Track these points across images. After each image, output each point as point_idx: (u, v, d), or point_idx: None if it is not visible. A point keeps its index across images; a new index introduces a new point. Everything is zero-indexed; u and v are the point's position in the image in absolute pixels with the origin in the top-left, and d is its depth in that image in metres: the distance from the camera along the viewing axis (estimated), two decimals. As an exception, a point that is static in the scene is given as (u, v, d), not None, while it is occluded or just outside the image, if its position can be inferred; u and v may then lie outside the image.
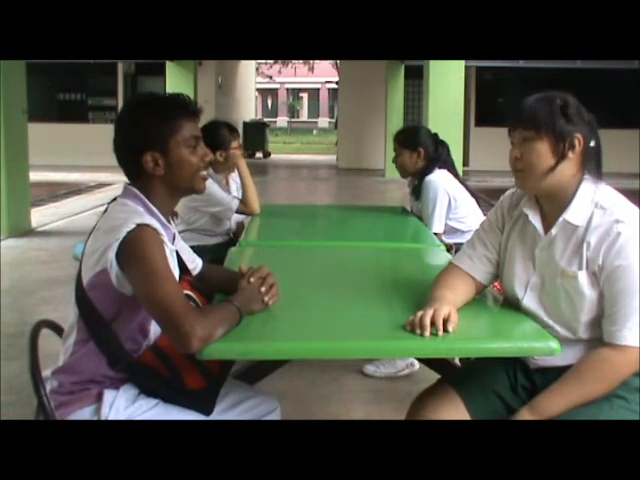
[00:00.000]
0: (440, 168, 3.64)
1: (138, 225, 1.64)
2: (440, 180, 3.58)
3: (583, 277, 1.73)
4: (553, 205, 1.80)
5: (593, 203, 1.74)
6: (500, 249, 1.93)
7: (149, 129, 1.75)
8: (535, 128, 1.74)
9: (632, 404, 1.71)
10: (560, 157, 1.73)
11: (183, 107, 1.80)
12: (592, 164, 1.78)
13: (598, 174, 1.78)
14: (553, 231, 1.78)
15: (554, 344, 1.69)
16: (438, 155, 3.66)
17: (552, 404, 1.69)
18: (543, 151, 1.74)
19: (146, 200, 1.77)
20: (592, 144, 1.76)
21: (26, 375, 1.72)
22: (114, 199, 1.81)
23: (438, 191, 3.53)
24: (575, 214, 1.74)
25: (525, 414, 1.71)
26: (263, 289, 1.81)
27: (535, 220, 1.83)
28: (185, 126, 1.78)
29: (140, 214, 1.71)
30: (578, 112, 1.76)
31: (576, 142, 1.74)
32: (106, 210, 1.78)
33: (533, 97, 1.79)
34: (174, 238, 1.87)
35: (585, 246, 1.72)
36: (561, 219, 1.76)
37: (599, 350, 1.70)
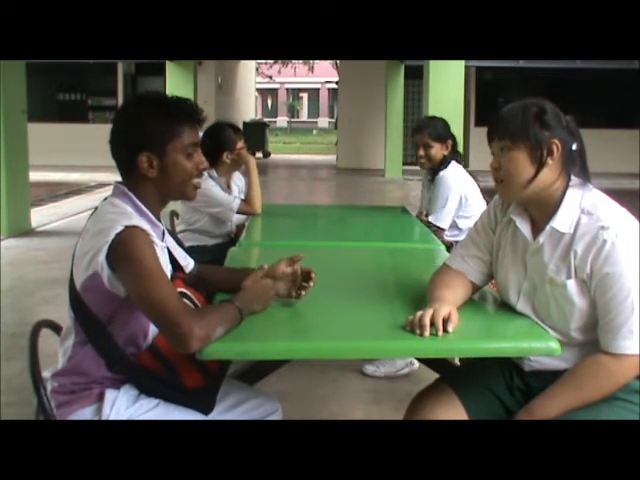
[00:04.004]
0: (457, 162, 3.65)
1: (126, 227, 1.64)
2: (455, 176, 3.56)
3: (572, 286, 1.72)
4: (540, 211, 1.79)
5: (580, 209, 1.72)
6: (493, 250, 1.93)
7: (150, 130, 1.74)
8: (510, 137, 1.73)
9: (632, 406, 1.70)
10: (539, 165, 1.72)
11: (188, 114, 1.79)
12: (577, 168, 1.77)
13: (585, 177, 1.77)
14: (541, 239, 1.77)
15: (554, 344, 1.69)
16: (457, 146, 3.67)
17: (549, 408, 1.69)
18: (521, 160, 1.73)
19: (135, 199, 1.76)
20: (574, 148, 1.75)
21: (26, 375, 1.72)
22: (105, 198, 1.80)
23: (452, 188, 3.52)
24: (562, 221, 1.73)
25: (522, 417, 1.71)
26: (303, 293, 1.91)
27: (523, 226, 1.82)
28: (186, 132, 1.77)
29: (128, 215, 1.70)
30: (555, 117, 1.75)
31: (554, 148, 1.72)
32: (96, 209, 1.78)
33: (509, 106, 1.79)
34: (164, 235, 1.86)
35: (572, 254, 1.71)
36: (548, 227, 1.75)
37: (596, 356, 1.69)
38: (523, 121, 1.73)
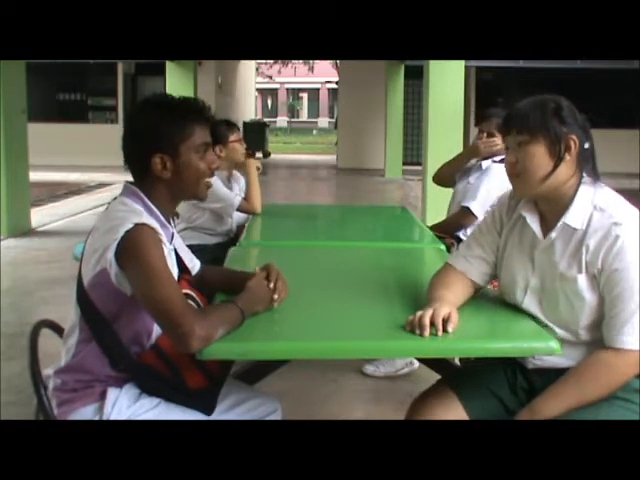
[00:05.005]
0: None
1: (136, 224, 1.65)
2: (503, 174, 3.47)
3: (583, 280, 1.72)
4: (552, 208, 1.79)
5: (592, 205, 1.73)
6: (498, 251, 1.93)
7: (162, 132, 1.75)
8: (529, 131, 1.73)
9: (632, 405, 1.70)
10: (557, 160, 1.73)
11: (198, 112, 1.80)
12: (589, 166, 1.78)
13: (596, 175, 1.78)
14: (553, 234, 1.78)
15: (554, 344, 1.69)
16: None
17: (551, 406, 1.69)
18: (539, 154, 1.73)
19: (146, 199, 1.77)
20: (586, 146, 1.76)
21: (26, 375, 1.72)
22: (115, 198, 1.81)
23: (495, 181, 3.41)
24: (575, 217, 1.74)
25: (524, 416, 1.71)
26: (275, 296, 1.81)
27: (533, 223, 1.82)
28: (197, 132, 1.78)
29: (138, 213, 1.71)
30: (571, 114, 1.75)
31: (572, 144, 1.73)
32: (107, 209, 1.79)
33: (525, 101, 1.79)
34: (172, 237, 1.87)
35: (584, 249, 1.71)
36: (561, 222, 1.76)
37: (599, 353, 1.70)
38: (542, 116, 1.73)
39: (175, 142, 1.76)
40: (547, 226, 1.81)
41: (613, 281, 1.67)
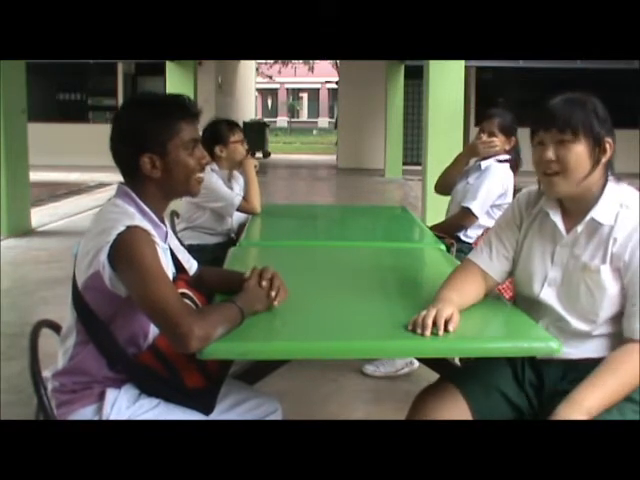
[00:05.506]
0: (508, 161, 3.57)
1: (128, 227, 1.64)
2: (503, 174, 3.51)
3: (606, 271, 1.74)
4: (577, 204, 1.80)
5: (619, 203, 1.75)
6: (517, 246, 1.93)
7: (148, 131, 1.74)
8: (572, 130, 1.72)
9: (634, 405, 1.70)
10: (595, 162, 1.73)
11: (183, 109, 1.79)
12: (612, 165, 1.80)
13: (615, 173, 1.80)
14: (579, 228, 1.79)
15: (554, 344, 1.69)
16: (519, 147, 3.60)
17: (590, 396, 1.63)
18: (581, 154, 1.73)
19: (138, 200, 1.77)
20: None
21: (26, 375, 1.72)
22: (109, 199, 1.81)
23: (495, 181, 3.47)
24: (602, 213, 1.75)
25: (564, 409, 1.62)
26: (273, 293, 1.81)
27: (557, 218, 1.83)
28: (184, 129, 1.77)
29: (130, 215, 1.71)
30: (605, 115, 1.76)
31: (607, 147, 1.74)
32: (100, 211, 1.78)
33: (560, 98, 1.78)
34: (166, 237, 1.87)
35: (612, 242, 1.73)
36: (588, 217, 1.77)
37: (629, 346, 1.70)
38: (585, 116, 1.73)
39: (162, 141, 1.74)
40: (570, 221, 1.82)
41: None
